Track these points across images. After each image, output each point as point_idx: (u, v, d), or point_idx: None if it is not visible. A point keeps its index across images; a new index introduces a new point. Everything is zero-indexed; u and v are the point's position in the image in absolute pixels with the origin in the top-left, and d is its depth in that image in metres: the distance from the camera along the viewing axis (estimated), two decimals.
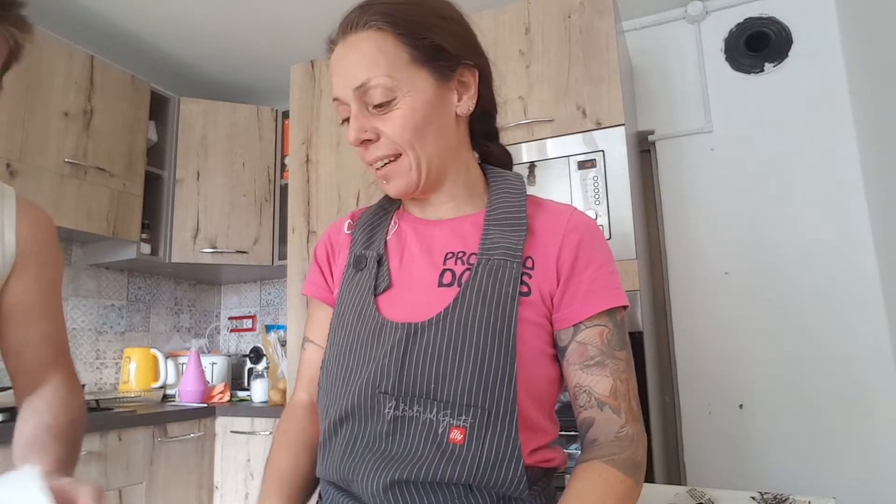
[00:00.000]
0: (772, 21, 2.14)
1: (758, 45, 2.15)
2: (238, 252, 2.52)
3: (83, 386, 2.18)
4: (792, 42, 2.12)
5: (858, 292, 1.91)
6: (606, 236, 1.66)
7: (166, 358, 2.44)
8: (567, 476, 0.70)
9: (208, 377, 2.50)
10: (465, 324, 0.64)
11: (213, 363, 2.61)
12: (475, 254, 0.69)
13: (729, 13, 2.21)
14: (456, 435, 0.62)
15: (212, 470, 2.15)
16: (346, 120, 0.70)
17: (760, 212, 2.07)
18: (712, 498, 0.96)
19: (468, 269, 0.68)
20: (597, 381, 0.67)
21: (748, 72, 2.17)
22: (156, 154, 2.48)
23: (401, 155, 0.68)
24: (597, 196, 1.69)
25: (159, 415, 1.96)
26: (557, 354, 0.71)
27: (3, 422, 1.58)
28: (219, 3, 2.20)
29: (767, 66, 2.14)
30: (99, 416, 1.82)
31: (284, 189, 2.53)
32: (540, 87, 1.83)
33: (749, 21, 2.18)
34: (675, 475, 2.06)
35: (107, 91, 2.22)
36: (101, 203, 2.16)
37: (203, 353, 2.65)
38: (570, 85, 1.79)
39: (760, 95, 2.13)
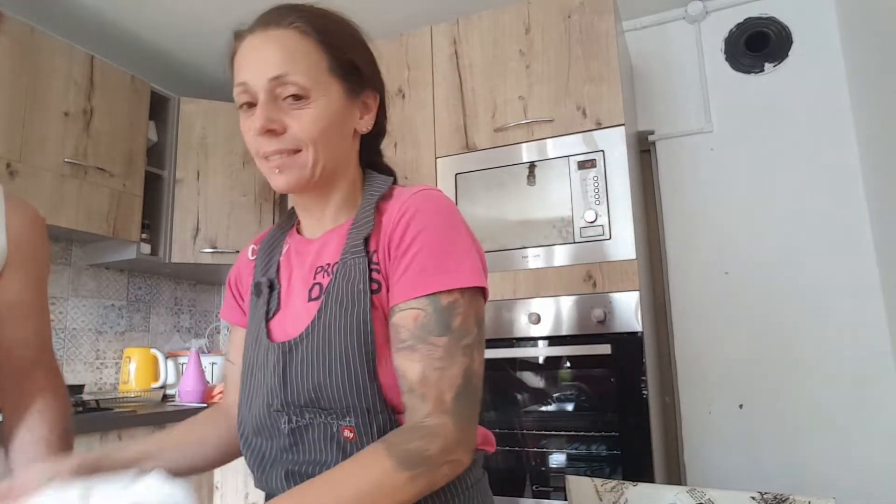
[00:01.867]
0: (772, 21, 2.15)
1: (758, 45, 2.15)
2: (238, 252, 2.51)
3: (83, 386, 2.17)
4: (792, 42, 2.12)
5: (858, 292, 1.91)
6: (606, 236, 1.66)
7: (166, 358, 2.43)
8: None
9: (208, 377, 2.50)
10: (329, 332, 0.66)
11: (214, 363, 2.61)
12: (338, 262, 0.71)
13: (729, 13, 2.21)
14: (348, 434, 0.65)
15: (212, 470, 2.15)
16: (246, 105, 0.71)
17: (760, 212, 2.07)
18: (712, 498, 0.96)
19: (332, 278, 0.70)
20: (408, 365, 0.63)
21: (748, 72, 2.17)
22: (156, 154, 2.48)
23: (300, 151, 0.69)
24: (597, 196, 1.69)
25: (159, 415, 1.96)
26: None
27: (2, 422, 1.57)
28: (219, 3, 2.20)
29: (767, 66, 2.14)
30: (99, 416, 1.81)
31: None
32: (540, 87, 1.83)
33: (749, 21, 2.18)
34: (675, 475, 2.06)
35: (107, 91, 2.22)
36: (101, 203, 2.16)
37: (203, 353, 2.65)
38: (570, 85, 1.79)
39: (760, 95, 2.13)
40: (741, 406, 2.01)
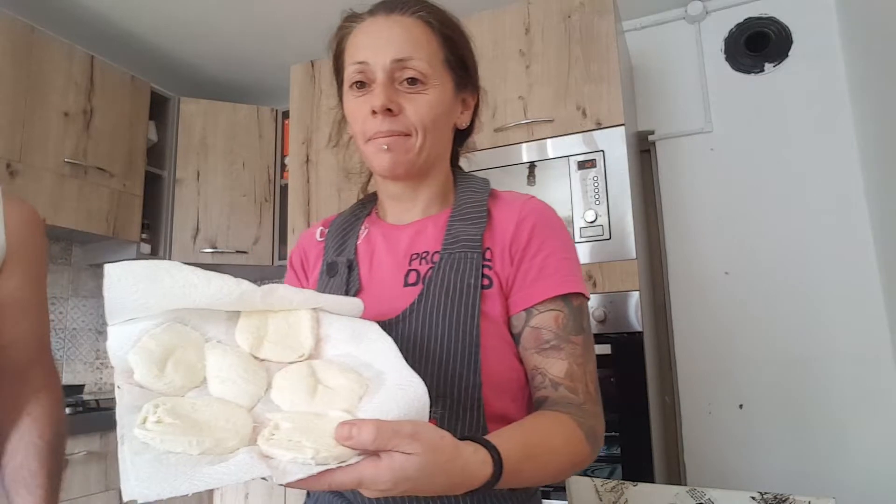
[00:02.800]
0: (772, 21, 2.14)
1: (758, 45, 2.15)
2: (238, 252, 2.52)
3: (83, 386, 2.17)
4: (792, 42, 2.12)
5: (858, 292, 1.91)
6: (606, 236, 1.66)
7: None
8: None
9: None
10: (430, 318, 0.66)
11: None
12: (438, 251, 0.72)
13: (729, 13, 2.21)
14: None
15: None
16: (356, 84, 0.71)
17: (760, 212, 2.07)
18: (712, 498, 0.96)
19: (432, 266, 0.71)
20: (552, 363, 0.67)
21: (748, 72, 2.16)
22: (156, 154, 2.48)
23: (410, 135, 0.71)
24: (597, 196, 1.69)
25: None
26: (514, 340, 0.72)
27: None
28: (219, 3, 2.20)
29: (767, 66, 2.14)
30: (99, 416, 1.81)
31: (284, 189, 2.53)
32: (540, 87, 1.83)
33: (749, 21, 2.18)
34: (675, 475, 2.06)
35: (107, 91, 2.22)
36: (101, 203, 2.16)
37: None
38: (570, 85, 1.79)
39: (760, 95, 2.13)
40: (741, 406, 2.01)
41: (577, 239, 1.70)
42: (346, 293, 0.74)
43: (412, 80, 0.69)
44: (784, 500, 0.91)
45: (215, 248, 2.48)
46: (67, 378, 2.33)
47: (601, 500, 1.04)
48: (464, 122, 0.79)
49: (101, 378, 2.47)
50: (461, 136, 0.84)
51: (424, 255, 0.73)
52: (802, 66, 2.09)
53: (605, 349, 1.62)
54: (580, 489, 1.07)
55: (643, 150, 2.27)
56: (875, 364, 1.86)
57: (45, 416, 0.86)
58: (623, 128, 1.71)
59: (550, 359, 0.67)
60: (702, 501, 0.96)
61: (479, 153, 1.85)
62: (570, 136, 1.77)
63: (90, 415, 1.80)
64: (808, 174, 2.03)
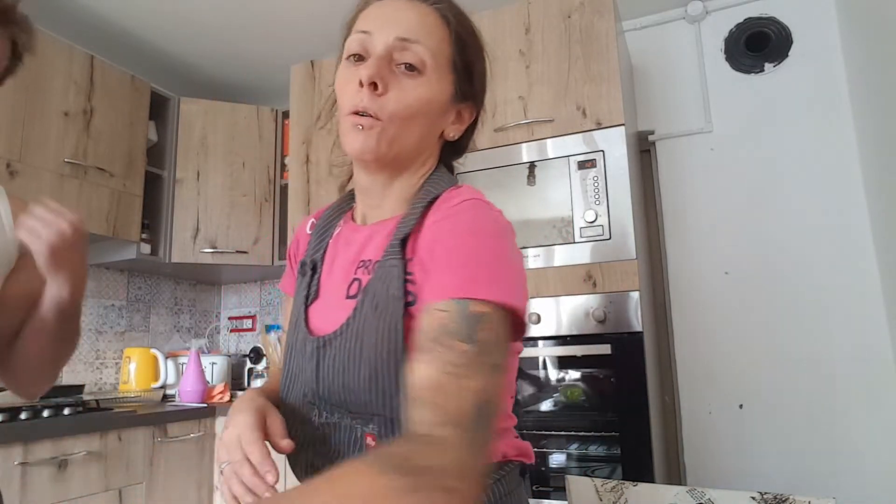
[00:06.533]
0: (772, 21, 2.15)
1: (758, 45, 2.15)
2: (238, 252, 2.52)
3: (83, 386, 2.17)
4: (792, 42, 2.12)
5: (858, 292, 1.91)
6: (606, 236, 1.66)
7: (166, 358, 2.43)
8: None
9: (208, 377, 2.50)
10: (361, 335, 0.63)
11: (214, 363, 2.61)
12: (378, 260, 0.67)
13: (729, 13, 2.21)
14: (370, 441, 0.63)
15: (212, 470, 2.15)
16: (353, 56, 0.67)
17: (760, 212, 2.07)
18: (712, 498, 0.96)
19: (371, 277, 0.67)
20: (416, 368, 0.54)
21: (748, 72, 2.17)
22: (156, 154, 2.48)
23: (381, 120, 0.65)
24: (597, 196, 1.69)
25: (159, 415, 1.96)
26: None
27: (2, 422, 1.58)
28: (219, 3, 2.20)
29: (767, 66, 2.14)
30: (99, 416, 1.81)
31: (284, 189, 2.53)
32: (540, 87, 1.83)
33: (749, 21, 2.18)
34: (675, 475, 2.06)
35: (107, 91, 2.22)
36: (101, 203, 2.16)
37: (203, 353, 2.65)
38: (570, 85, 1.79)
39: (760, 95, 2.13)
40: (741, 406, 2.01)
41: (576, 239, 1.70)
42: (307, 298, 0.73)
43: (410, 66, 0.64)
44: (784, 500, 0.91)
45: (215, 248, 2.48)
46: (67, 378, 2.33)
47: (601, 500, 1.04)
48: (453, 133, 0.73)
49: (101, 378, 2.47)
50: (451, 149, 0.77)
51: (367, 263, 0.69)
52: (802, 66, 2.09)
53: (604, 349, 1.62)
54: (580, 489, 1.07)
55: (643, 150, 2.27)
56: (875, 364, 1.86)
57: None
58: (623, 128, 1.71)
59: (416, 363, 0.54)
60: (702, 501, 0.96)
61: (478, 153, 1.86)
62: (570, 136, 1.77)
63: (90, 415, 1.80)
64: (808, 174, 2.03)
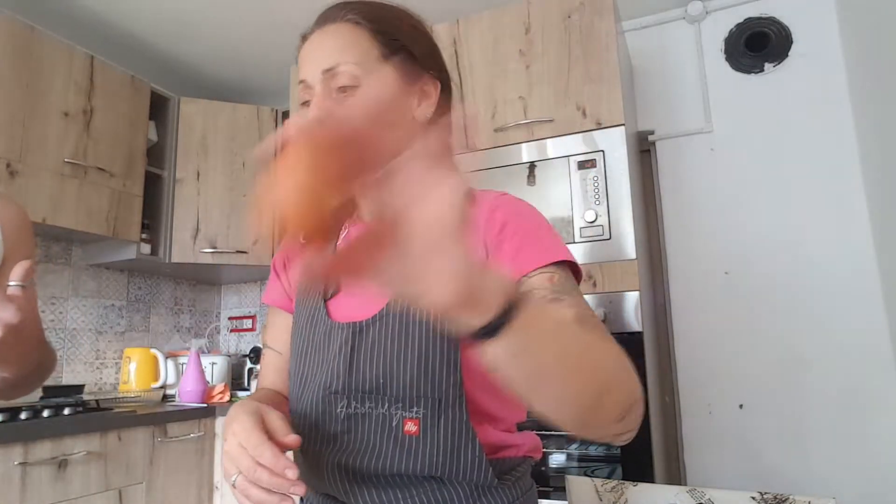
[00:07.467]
0: (772, 21, 2.14)
1: (758, 45, 2.15)
2: (238, 252, 2.52)
3: (83, 386, 2.17)
4: (792, 42, 2.12)
5: (858, 292, 1.91)
6: (606, 236, 1.66)
7: (166, 358, 2.43)
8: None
9: (208, 377, 2.50)
10: (407, 317, 0.65)
11: (213, 363, 2.61)
12: None
13: (729, 13, 2.21)
14: (410, 427, 0.63)
15: (212, 470, 2.15)
16: (306, 103, 0.71)
17: (760, 212, 2.07)
18: (712, 498, 0.95)
19: None
20: (558, 307, 0.61)
21: (748, 72, 2.16)
22: (156, 154, 2.48)
23: None
24: (597, 196, 1.69)
25: (159, 415, 1.96)
26: None
27: (2, 422, 1.58)
28: (219, 3, 2.20)
29: (767, 66, 2.14)
30: (99, 416, 1.81)
31: None
32: (540, 87, 1.83)
33: (749, 21, 2.18)
34: (675, 475, 2.06)
35: (107, 91, 2.22)
36: (101, 203, 2.16)
37: (203, 353, 2.65)
38: (570, 85, 1.79)
39: (760, 95, 2.13)
40: (741, 406, 2.01)
41: (576, 239, 1.70)
42: (325, 292, 0.73)
43: (343, 88, 0.68)
44: (784, 500, 0.91)
45: (215, 248, 2.48)
46: (67, 378, 2.33)
47: (601, 500, 1.04)
48: (423, 114, 0.73)
49: (100, 378, 2.47)
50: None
51: None
52: (802, 66, 2.09)
53: None
54: (580, 489, 1.07)
55: (643, 150, 2.27)
56: (875, 364, 1.86)
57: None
58: (623, 128, 1.71)
59: (555, 305, 0.60)
60: (702, 501, 0.96)
61: (478, 153, 1.86)
62: (570, 136, 1.77)
63: (90, 415, 1.80)
64: (808, 174, 2.03)
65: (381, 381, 0.64)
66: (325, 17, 0.72)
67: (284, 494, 0.54)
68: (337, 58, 0.68)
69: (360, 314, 0.68)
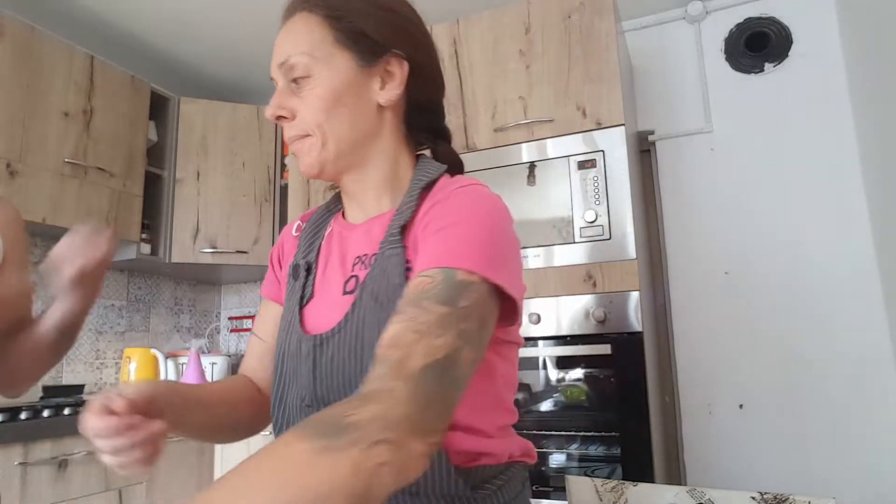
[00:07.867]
0: (772, 21, 2.14)
1: (758, 45, 2.15)
2: (238, 252, 2.52)
3: (83, 386, 2.17)
4: (792, 42, 2.12)
5: (858, 292, 1.91)
6: (606, 236, 1.66)
7: (166, 358, 2.43)
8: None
9: (208, 377, 2.50)
10: (362, 328, 0.62)
11: (214, 363, 2.61)
12: (376, 254, 0.67)
13: (729, 13, 2.21)
14: None
15: (212, 470, 2.15)
16: None
17: (760, 212, 2.07)
18: (712, 498, 0.95)
19: (369, 271, 0.66)
20: (387, 329, 0.52)
21: (748, 72, 2.16)
22: (156, 154, 2.48)
23: (311, 135, 0.68)
24: (597, 196, 1.69)
25: None
26: None
27: (2, 422, 1.58)
28: (219, 3, 2.20)
29: (767, 66, 2.14)
30: None
31: (284, 189, 2.53)
32: (540, 87, 1.83)
33: (749, 21, 2.18)
34: (675, 475, 2.06)
35: (107, 91, 2.22)
36: (101, 203, 2.16)
37: (203, 353, 2.65)
38: (570, 85, 1.79)
39: (760, 95, 2.13)
40: (741, 406, 2.01)
41: (576, 239, 1.70)
42: (301, 299, 0.72)
43: (297, 80, 0.67)
44: (784, 500, 0.91)
45: (215, 248, 2.48)
46: (67, 378, 2.33)
47: (601, 500, 1.04)
48: (386, 96, 0.69)
49: (100, 378, 2.47)
50: (417, 114, 0.74)
51: (364, 258, 0.69)
52: (802, 66, 2.09)
53: (604, 349, 1.62)
54: (580, 489, 1.07)
55: (643, 150, 2.27)
56: (875, 364, 1.86)
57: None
58: (623, 128, 1.71)
59: (388, 326, 0.53)
60: (702, 501, 0.96)
61: (479, 153, 1.86)
62: (570, 136, 1.77)
63: None
64: (808, 174, 2.03)
65: (342, 394, 0.62)
66: (286, 14, 0.72)
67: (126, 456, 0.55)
68: (289, 50, 0.67)
69: (324, 325, 0.66)
